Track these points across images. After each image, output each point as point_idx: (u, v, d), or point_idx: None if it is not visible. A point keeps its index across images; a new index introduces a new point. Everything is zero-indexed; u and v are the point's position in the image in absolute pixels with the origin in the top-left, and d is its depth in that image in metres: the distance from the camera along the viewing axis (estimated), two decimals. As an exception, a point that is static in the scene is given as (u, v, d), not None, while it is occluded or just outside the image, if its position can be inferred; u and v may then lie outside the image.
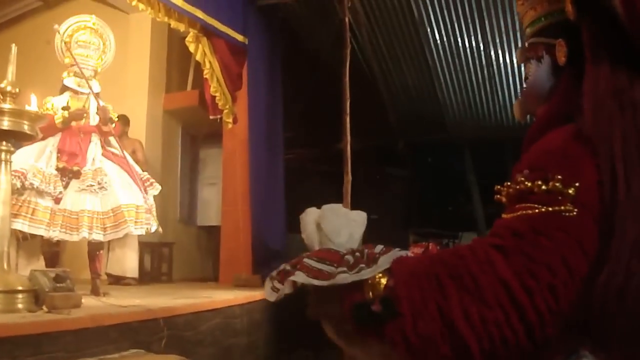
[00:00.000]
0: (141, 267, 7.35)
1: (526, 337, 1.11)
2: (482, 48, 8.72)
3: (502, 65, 9.02)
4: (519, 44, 8.48)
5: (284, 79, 8.45)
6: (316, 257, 1.24)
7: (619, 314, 1.18)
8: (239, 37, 7.16)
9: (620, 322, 1.18)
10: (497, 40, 8.52)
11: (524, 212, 1.24)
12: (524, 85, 1.73)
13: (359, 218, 1.42)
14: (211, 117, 7.40)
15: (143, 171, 6.16)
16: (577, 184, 1.21)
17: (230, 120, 7.40)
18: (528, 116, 1.71)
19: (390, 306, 1.15)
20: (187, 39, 6.88)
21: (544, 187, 1.24)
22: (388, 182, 10.89)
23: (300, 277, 1.20)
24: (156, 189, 6.02)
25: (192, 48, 6.90)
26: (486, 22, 8.19)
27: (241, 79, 7.46)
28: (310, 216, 1.36)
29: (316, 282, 1.19)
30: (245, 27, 7.29)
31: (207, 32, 6.79)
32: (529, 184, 1.26)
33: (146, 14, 6.35)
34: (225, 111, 7.30)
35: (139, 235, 5.96)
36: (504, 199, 1.34)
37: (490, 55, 8.84)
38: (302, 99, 9.48)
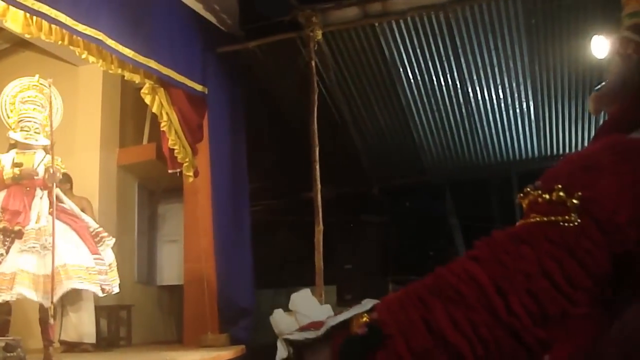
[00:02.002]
0: (97, 333, 7.25)
1: (513, 339, 1.14)
2: (458, 86, 8.79)
3: (480, 102, 9.07)
4: (498, 80, 8.63)
5: (248, 127, 8.47)
6: (300, 330, 1.27)
7: None
8: (198, 87, 7.22)
9: None
10: (474, 77, 8.61)
11: (524, 221, 1.28)
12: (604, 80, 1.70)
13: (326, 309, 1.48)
14: (170, 171, 7.43)
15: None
16: (580, 194, 1.23)
17: (191, 173, 7.44)
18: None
19: (377, 330, 1.17)
20: (142, 90, 6.93)
21: (546, 196, 1.27)
22: (363, 230, 10.91)
23: (295, 335, 1.25)
24: (110, 241, 6.04)
25: (148, 100, 6.95)
26: (462, 58, 8.29)
27: (202, 130, 7.51)
28: (279, 315, 1.42)
29: (310, 335, 1.23)
30: (204, 76, 7.35)
31: (164, 82, 6.84)
32: (535, 194, 1.30)
33: (97, 65, 6.38)
34: (186, 164, 7.34)
35: (94, 299, 5.95)
36: (523, 209, 1.36)
37: (468, 93, 8.91)
38: (268, 147, 9.48)
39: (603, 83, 1.68)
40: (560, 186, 1.25)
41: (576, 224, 1.21)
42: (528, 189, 1.33)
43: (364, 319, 1.19)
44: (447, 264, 1.25)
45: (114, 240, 6.11)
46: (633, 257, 1.22)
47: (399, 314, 1.19)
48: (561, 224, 1.22)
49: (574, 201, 1.22)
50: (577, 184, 1.25)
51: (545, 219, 1.24)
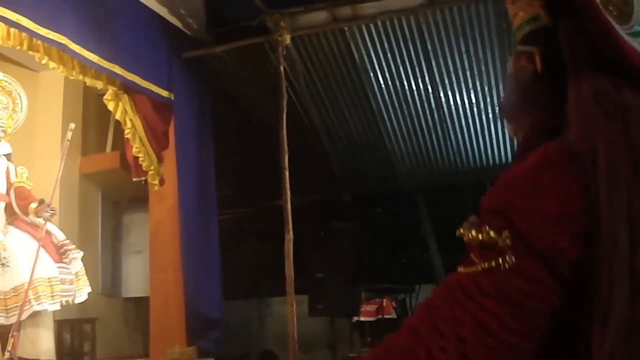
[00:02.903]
0: (60, 347, 7.18)
1: None
2: (430, 90, 8.87)
3: (453, 107, 9.15)
4: (470, 84, 8.72)
5: (215, 134, 8.48)
6: None
7: None
8: (164, 93, 7.24)
9: None
10: (446, 82, 8.69)
11: (461, 269, 1.28)
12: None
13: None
14: (135, 179, 7.43)
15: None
16: (509, 234, 1.22)
17: (157, 182, 7.45)
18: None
19: None
20: (105, 96, 6.94)
21: (479, 237, 1.27)
22: (335, 238, 10.94)
23: None
24: (77, 254, 6.02)
25: (111, 106, 6.95)
26: (433, 63, 8.38)
27: (167, 137, 7.51)
28: None
29: None
30: (170, 82, 7.37)
31: (128, 88, 6.85)
32: (467, 234, 1.30)
33: (58, 71, 6.38)
34: (151, 172, 7.35)
35: (55, 312, 5.91)
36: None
37: (440, 98, 8.98)
38: (236, 155, 9.49)
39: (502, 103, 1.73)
40: (487, 228, 1.25)
41: (510, 264, 1.22)
42: (461, 229, 1.33)
43: None
44: (394, 334, 1.30)
45: (81, 253, 6.09)
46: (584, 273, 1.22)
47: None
48: (495, 270, 1.23)
49: (507, 241, 1.22)
50: (515, 215, 1.25)
51: (479, 268, 1.25)
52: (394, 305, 9.09)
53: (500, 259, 1.22)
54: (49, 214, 5.78)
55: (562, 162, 1.30)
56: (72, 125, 5.86)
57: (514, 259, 1.21)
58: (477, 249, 1.27)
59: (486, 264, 1.24)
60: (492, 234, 1.24)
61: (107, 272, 9.48)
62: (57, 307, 5.65)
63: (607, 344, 1.19)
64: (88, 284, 6.06)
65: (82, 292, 5.92)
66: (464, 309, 1.22)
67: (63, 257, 5.95)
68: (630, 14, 1.43)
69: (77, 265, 5.99)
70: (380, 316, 8.78)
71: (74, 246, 6.12)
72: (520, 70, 1.60)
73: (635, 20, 1.43)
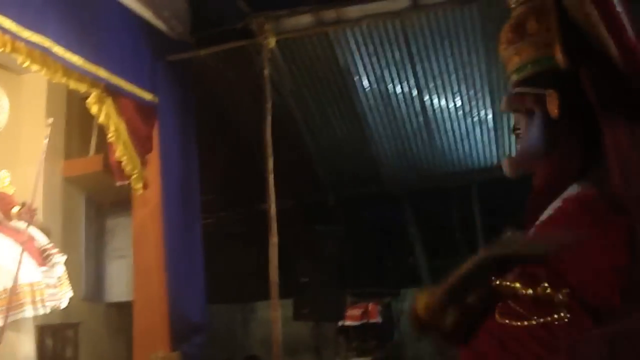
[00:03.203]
0: (42, 353, 7.16)
1: None
2: (415, 94, 8.95)
3: (438, 111, 9.25)
4: (455, 88, 8.79)
5: (199, 138, 8.49)
6: None
7: None
8: (148, 96, 7.25)
9: None
10: (431, 85, 8.78)
11: (512, 322, 1.28)
12: (517, 144, 1.72)
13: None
14: (118, 183, 7.45)
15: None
16: (566, 291, 1.24)
17: (140, 186, 7.46)
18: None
19: None
20: (88, 100, 6.95)
21: (530, 291, 1.28)
22: (320, 242, 10.96)
23: None
24: (60, 258, 6.01)
25: (94, 110, 6.96)
26: (418, 67, 8.45)
27: (151, 140, 7.52)
28: None
29: None
30: (154, 85, 7.39)
31: (112, 91, 6.86)
32: (514, 286, 1.30)
33: (40, 74, 6.39)
34: (134, 176, 7.36)
35: (37, 317, 5.88)
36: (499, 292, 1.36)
37: (425, 101, 9.08)
38: (221, 158, 9.52)
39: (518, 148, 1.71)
40: (546, 284, 1.27)
41: (566, 320, 1.24)
42: (506, 282, 1.33)
43: None
44: None
45: (64, 258, 6.08)
46: None
47: None
48: (549, 324, 1.25)
49: (561, 297, 1.25)
50: (566, 271, 1.27)
51: (533, 322, 1.27)
52: (379, 309, 9.06)
53: (555, 315, 1.25)
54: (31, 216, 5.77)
55: (608, 213, 1.32)
56: (50, 120, 5.85)
57: (569, 315, 1.24)
58: (527, 302, 1.28)
59: (542, 319, 1.26)
60: (548, 290, 1.26)
61: (91, 276, 9.48)
62: (44, 311, 5.63)
63: None
64: (70, 289, 6.05)
65: (64, 297, 5.91)
66: (521, 358, 1.24)
67: (46, 261, 5.94)
68: None
69: (60, 270, 5.98)
70: (365, 320, 8.74)
71: (56, 250, 6.11)
72: (529, 114, 1.61)
73: None
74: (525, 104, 1.62)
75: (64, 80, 6.40)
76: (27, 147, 8.30)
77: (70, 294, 5.91)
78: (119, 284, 9.55)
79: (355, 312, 8.99)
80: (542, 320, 1.26)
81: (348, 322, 8.88)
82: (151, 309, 7.71)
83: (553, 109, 1.53)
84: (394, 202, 11.30)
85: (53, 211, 8.46)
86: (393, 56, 8.31)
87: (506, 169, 1.75)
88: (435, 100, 9.07)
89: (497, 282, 1.36)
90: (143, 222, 8.03)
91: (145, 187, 7.52)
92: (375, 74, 8.62)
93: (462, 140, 9.78)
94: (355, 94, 8.91)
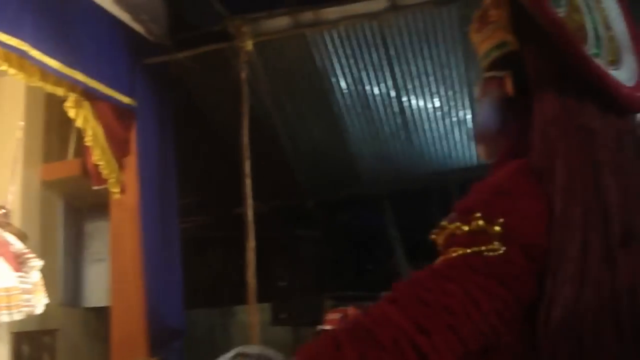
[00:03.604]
0: (19, 360, 7.22)
1: None
2: (393, 95, 9.01)
3: (416, 112, 9.31)
4: (434, 89, 8.86)
5: (177, 141, 8.53)
6: None
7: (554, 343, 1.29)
8: (126, 99, 7.27)
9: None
10: (409, 86, 8.83)
11: (445, 256, 1.33)
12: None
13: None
14: (95, 187, 7.48)
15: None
16: (501, 220, 1.29)
17: (117, 190, 7.49)
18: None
19: None
20: (66, 103, 6.97)
21: (465, 227, 1.33)
22: (298, 245, 10.99)
23: None
24: (36, 262, 6.03)
25: (72, 114, 6.99)
26: (396, 68, 8.50)
27: (129, 144, 7.55)
28: None
29: None
30: (132, 88, 7.43)
31: (89, 95, 6.89)
32: (452, 227, 1.36)
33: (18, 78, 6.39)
34: (111, 180, 7.40)
35: (13, 324, 5.89)
36: (439, 245, 1.43)
37: (403, 102, 9.13)
38: (198, 162, 9.55)
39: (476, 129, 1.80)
40: (479, 214, 1.33)
41: (501, 251, 1.29)
42: (443, 223, 1.41)
43: None
44: (372, 305, 1.35)
45: (41, 263, 6.10)
46: None
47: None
48: (485, 253, 1.30)
49: (496, 228, 1.30)
50: (496, 211, 1.33)
51: (467, 250, 1.32)
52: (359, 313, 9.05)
53: (490, 245, 1.30)
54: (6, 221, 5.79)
55: (527, 174, 1.41)
56: (21, 123, 5.87)
57: (504, 248, 1.30)
58: (463, 237, 1.35)
59: (476, 247, 1.31)
60: (481, 222, 1.32)
61: (69, 281, 9.40)
62: (19, 317, 5.64)
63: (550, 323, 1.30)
64: (45, 295, 6.06)
65: (39, 303, 5.92)
66: (453, 281, 1.28)
67: (22, 266, 5.95)
68: (585, 38, 1.55)
69: (36, 276, 5.99)
70: (345, 325, 8.74)
71: (33, 255, 6.12)
72: (492, 95, 1.70)
73: (590, 44, 1.55)
74: (491, 87, 1.71)
75: (41, 84, 6.42)
76: (4, 152, 8.30)
77: (45, 300, 5.92)
78: (98, 289, 9.48)
79: (334, 316, 8.93)
80: (476, 249, 1.31)
81: (327, 327, 8.88)
82: (129, 315, 7.71)
83: (508, 89, 1.63)
84: (373, 204, 11.34)
85: (31, 215, 8.43)
86: (371, 57, 8.36)
87: (479, 153, 1.84)
88: (414, 101, 9.11)
89: (435, 233, 1.46)
90: (120, 227, 8.03)
91: (122, 191, 7.55)
92: (353, 75, 8.65)
93: (440, 140, 9.85)
94: (333, 95, 8.96)
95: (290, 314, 9.20)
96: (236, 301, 9.79)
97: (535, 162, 1.43)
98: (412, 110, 9.26)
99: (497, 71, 1.69)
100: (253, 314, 7.00)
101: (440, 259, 1.38)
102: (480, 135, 1.78)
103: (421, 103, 9.14)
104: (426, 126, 9.60)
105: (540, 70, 1.51)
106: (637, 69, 1.61)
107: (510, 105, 1.64)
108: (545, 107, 1.46)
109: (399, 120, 9.46)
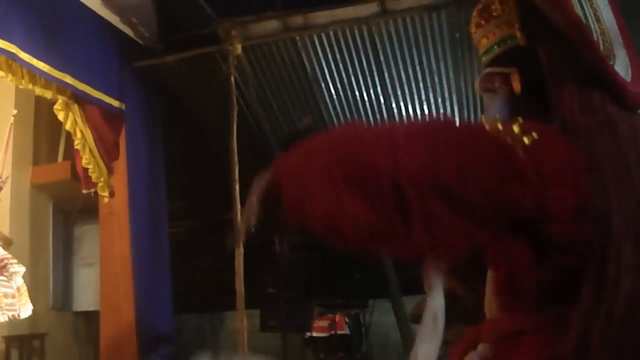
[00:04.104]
0: (9, 364, 7.22)
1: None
2: (382, 101, 9.02)
3: (405, 118, 9.23)
4: (422, 95, 8.87)
5: (166, 146, 8.58)
6: None
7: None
8: (115, 103, 7.32)
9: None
10: (399, 92, 8.82)
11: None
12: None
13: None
14: (84, 191, 7.49)
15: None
16: (536, 136, 1.33)
17: (106, 193, 7.51)
18: None
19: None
20: (55, 106, 7.00)
21: (500, 126, 1.38)
22: (287, 252, 10.98)
23: None
24: (18, 268, 6.06)
25: (61, 117, 7.02)
26: (385, 74, 8.49)
27: (118, 148, 7.58)
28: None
29: None
30: (121, 92, 7.49)
31: (78, 98, 6.93)
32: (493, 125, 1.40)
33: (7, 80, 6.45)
34: (100, 184, 7.41)
35: (3, 328, 5.89)
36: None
37: (392, 108, 9.13)
38: (188, 166, 9.57)
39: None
40: (521, 121, 1.39)
41: (519, 152, 1.33)
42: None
43: None
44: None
45: (23, 268, 6.12)
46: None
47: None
48: (504, 141, 1.35)
49: (525, 140, 1.35)
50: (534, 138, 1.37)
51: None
52: (347, 320, 9.01)
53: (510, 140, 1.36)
54: None
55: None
56: (14, 112, 5.90)
57: (522, 153, 1.34)
58: (495, 129, 1.41)
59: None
60: (516, 128, 1.38)
61: (59, 285, 9.46)
62: (2, 319, 5.65)
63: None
64: (29, 301, 6.07)
65: (24, 308, 5.93)
66: (467, 136, 1.40)
67: (3, 270, 5.97)
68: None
69: (18, 281, 6.00)
70: (333, 332, 8.76)
71: (15, 260, 6.13)
72: (498, 91, 1.72)
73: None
74: (493, 84, 1.73)
75: (30, 86, 6.46)
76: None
77: (30, 305, 5.93)
78: (88, 293, 9.47)
79: (322, 323, 8.95)
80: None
81: (315, 334, 8.87)
82: (118, 319, 7.74)
83: (516, 86, 1.64)
84: (362, 211, 11.29)
85: (20, 218, 8.45)
86: (360, 62, 8.36)
87: None
88: (402, 107, 9.09)
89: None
90: (110, 231, 8.06)
91: (111, 195, 7.57)
92: (342, 80, 8.65)
93: (429, 147, 9.83)
94: (322, 100, 8.96)
95: (279, 320, 9.18)
96: (226, 307, 9.78)
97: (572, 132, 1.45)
98: (400, 116, 9.23)
99: (499, 67, 1.72)
100: (241, 320, 7.00)
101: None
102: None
103: (410, 109, 9.14)
104: (415, 132, 9.56)
105: (558, 65, 1.54)
106: (628, 63, 1.62)
107: (515, 102, 1.66)
108: (565, 103, 1.48)
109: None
